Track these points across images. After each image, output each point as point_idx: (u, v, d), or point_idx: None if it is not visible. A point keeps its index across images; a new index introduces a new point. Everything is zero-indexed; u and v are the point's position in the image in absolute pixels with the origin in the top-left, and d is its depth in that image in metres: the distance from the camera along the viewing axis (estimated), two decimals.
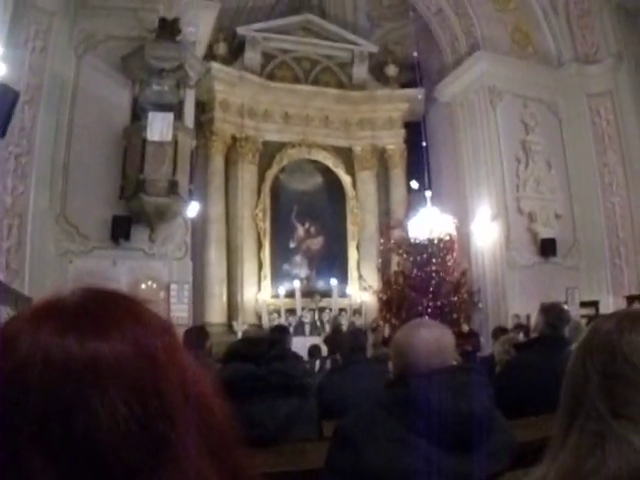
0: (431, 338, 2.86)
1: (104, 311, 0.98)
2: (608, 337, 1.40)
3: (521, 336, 10.79)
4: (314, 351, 12.41)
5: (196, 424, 1.00)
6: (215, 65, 19.05)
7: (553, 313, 5.75)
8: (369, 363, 6.51)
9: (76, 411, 0.88)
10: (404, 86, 22.13)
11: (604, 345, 1.39)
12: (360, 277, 21.07)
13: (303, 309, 19.70)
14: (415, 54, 20.72)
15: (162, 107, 14.79)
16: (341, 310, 20.11)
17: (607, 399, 1.33)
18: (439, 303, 18.71)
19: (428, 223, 18.83)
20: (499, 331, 10.72)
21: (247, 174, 20.15)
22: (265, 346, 4.37)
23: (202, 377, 1.09)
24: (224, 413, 1.10)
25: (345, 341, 7.01)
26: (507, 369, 6.02)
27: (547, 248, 18.82)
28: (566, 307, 15.09)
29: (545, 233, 19.03)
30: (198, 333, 8.41)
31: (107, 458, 0.88)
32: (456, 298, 18.99)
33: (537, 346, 5.62)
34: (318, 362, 11.32)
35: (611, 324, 1.43)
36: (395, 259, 20.69)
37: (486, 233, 19.03)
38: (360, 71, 21.97)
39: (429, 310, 18.36)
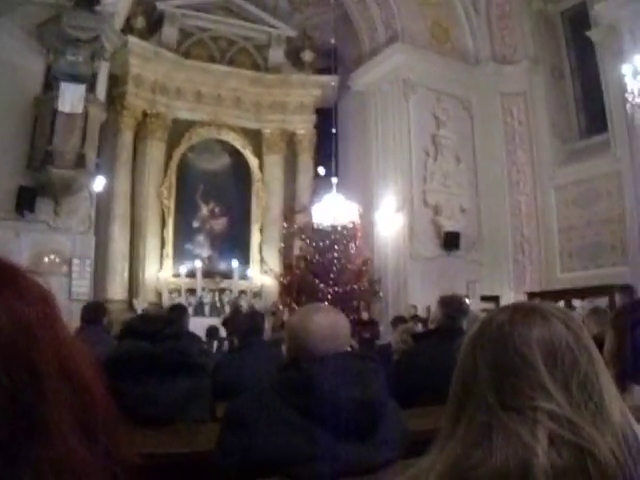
0: (326, 323, 2.85)
1: None
2: (500, 329, 1.41)
3: (419, 327, 11.40)
4: (212, 332, 12.48)
5: (69, 399, 0.98)
6: (132, 39, 18.72)
7: (452, 305, 5.78)
8: (265, 346, 6.51)
9: None
10: (319, 72, 22.17)
11: (496, 336, 1.41)
12: (262, 260, 21.17)
13: (204, 289, 19.65)
14: (332, 41, 20.71)
15: (75, 78, 14.56)
16: (241, 292, 20.19)
17: (496, 390, 1.34)
18: (340, 290, 18.80)
19: (332, 210, 18.78)
20: (398, 320, 10.71)
21: (155, 151, 19.99)
22: (161, 324, 4.28)
23: (80, 352, 1.06)
24: (101, 390, 1.07)
25: (242, 323, 6.96)
26: (404, 358, 6.12)
27: (450, 241, 19.18)
28: (467, 300, 15.90)
29: (449, 226, 19.37)
30: (96, 309, 8.27)
31: None
32: (357, 286, 19.13)
33: (435, 337, 5.65)
34: (216, 343, 11.83)
35: (504, 316, 1.44)
36: (298, 244, 20.82)
37: (390, 223, 19.19)
38: (276, 54, 22.02)
39: (329, 296, 18.45)
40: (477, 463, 1.27)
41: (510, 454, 1.24)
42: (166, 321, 4.41)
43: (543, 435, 1.25)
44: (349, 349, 3.02)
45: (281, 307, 19.32)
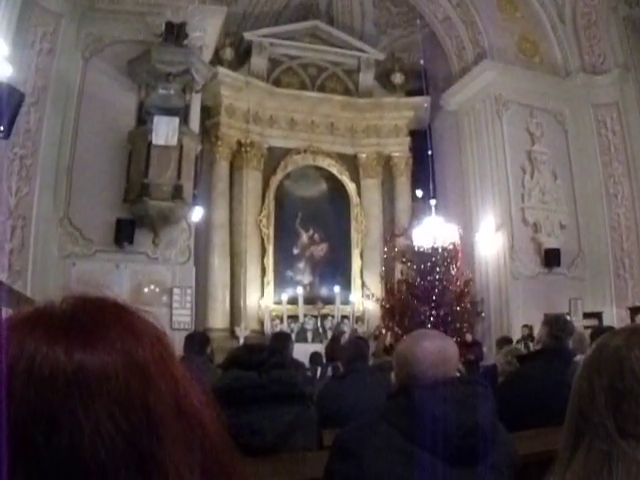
0: (434, 349, 2.85)
1: (94, 321, 0.95)
2: (616, 353, 1.38)
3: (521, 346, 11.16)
4: (315, 358, 12.43)
5: (186, 439, 0.98)
6: (222, 70, 19.14)
7: (557, 325, 5.68)
8: (370, 372, 6.47)
9: (60, 424, 0.86)
10: (410, 94, 22.26)
11: (612, 361, 1.37)
12: (363, 285, 21.12)
13: (305, 316, 19.75)
14: (422, 62, 20.91)
15: (168, 111, 14.87)
16: (343, 317, 20.12)
17: (615, 417, 1.31)
18: (442, 312, 18.72)
19: (432, 232, 18.81)
20: (503, 341, 10.68)
21: (251, 180, 20.27)
22: (265, 353, 4.32)
23: (194, 389, 1.05)
24: (217, 426, 1.07)
25: (346, 349, 6.96)
26: (510, 380, 5.99)
27: (551, 258, 18.84)
28: (569, 318, 15.15)
29: (549, 243, 19.06)
30: (199, 338, 8.37)
31: (91, 474, 0.87)
32: (459, 307, 19.05)
33: (540, 358, 5.54)
34: (319, 370, 11.47)
35: (620, 340, 1.41)
36: (399, 267, 20.78)
37: (490, 243, 19.08)
38: (366, 78, 22.15)
39: (432, 319, 18.42)
40: None
41: None
42: (271, 350, 4.45)
43: None
44: (457, 374, 3.03)
45: (384, 331, 19.27)
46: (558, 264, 18.86)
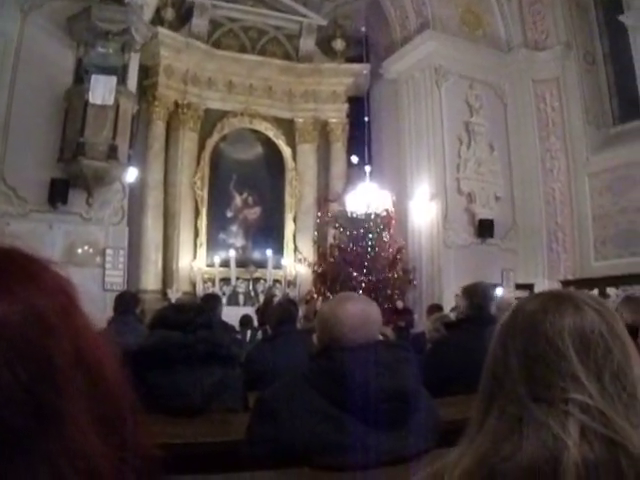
0: (357, 312, 2.88)
1: None
2: (531, 317, 1.40)
3: (453, 315, 11.54)
4: (246, 321, 12.62)
5: (86, 391, 0.99)
6: (162, 30, 18.97)
7: (476, 295, 5.78)
8: (298, 335, 6.48)
9: None
10: (350, 61, 22.29)
11: (527, 325, 1.39)
12: (296, 249, 21.35)
13: (238, 279, 19.84)
14: (363, 29, 21.16)
15: (106, 70, 14.75)
16: (276, 281, 20.34)
17: (527, 381, 1.33)
18: (374, 278, 18.85)
19: (366, 198, 18.97)
20: (434, 308, 10.62)
21: (187, 141, 20.24)
22: (192, 313, 4.29)
23: (99, 343, 1.06)
24: (120, 381, 1.08)
25: (275, 312, 7.03)
26: (436, 347, 6.12)
27: (485, 229, 19.23)
28: (501, 288, 16.48)
29: (483, 214, 19.43)
30: (128, 298, 8.42)
31: None
32: (391, 274, 19.18)
33: (465, 325, 5.64)
34: (250, 333, 11.84)
35: (535, 304, 1.43)
36: (331, 232, 20.87)
37: (424, 211, 19.35)
38: (307, 43, 22.14)
39: (363, 285, 18.52)
40: (506, 456, 1.26)
41: (540, 447, 1.24)
42: (198, 310, 4.44)
43: (574, 428, 1.24)
44: (381, 338, 3.08)
45: (315, 296, 19.24)
46: (491, 235, 19.29)
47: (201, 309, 4.68)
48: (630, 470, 1.18)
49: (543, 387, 1.31)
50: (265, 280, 20.16)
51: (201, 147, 20.67)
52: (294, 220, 21.66)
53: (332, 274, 19.59)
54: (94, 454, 0.96)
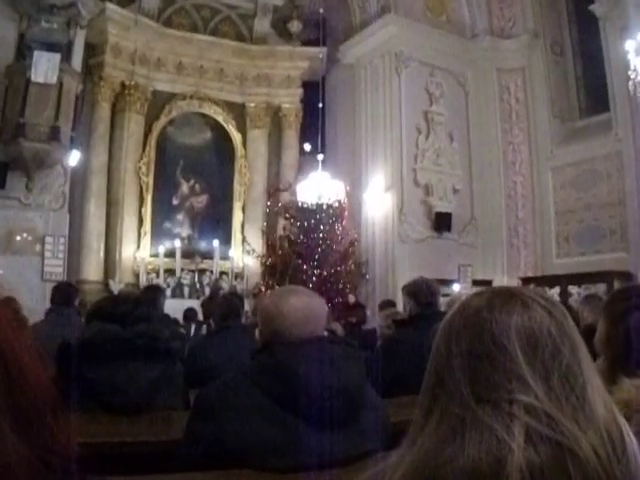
0: (301, 306, 2.88)
1: None
2: (477, 314, 1.38)
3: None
4: (190, 314, 12.58)
5: (2, 387, 0.99)
6: (110, 6, 18.32)
7: (421, 292, 5.83)
8: (243, 330, 6.49)
9: None
10: (307, 44, 22.07)
11: (472, 323, 1.37)
12: (244, 240, 21.09)
13: (183, 270, 19.66)
14: (321, 11, 20.75)
15: (49, 46, 14.45)
16: (222, 273, 20.10)
17: (471, 381, 1.31)
18: (325, 272, 18.76)
19: (318, 188, 18.84)
20: (386, 304, 10.65)
21: (133, 124, 19.78)
22: (131, 305, 4.33)
23: (19, 335, 1.06)
24: (39, 376, 1.07)
25: (219, 306, 7.03)
26: (387, 345, 6.14)
27: (442, 223, 19.11)
28: (457, 284, 16.96)
29: (441, 207, 19.29)
30: (66, 289, 8.27)
31: None
32: (343, 268, 19.10)
33: (415, 322, 5.72)
34: (194, 327, 11.76)
35: (482, 300, 1.41)
36: (281, 223, 20.80)
37: (379, 203, 19.22)
38: (262, 24, 21.78)
39: (314, 278, 18.46)
40: (447, 460, 1.24)
41: (483, 450, 1.22)
42: (136, 302, 4.51)
43: (519, 431, 1.22)
44: (326, 334, 3.06)
45: (263, 289, 19.13)
46: (449, 229, 19.18)
47: (140, 301, 4.87)
48: (577, 474, 1.17)
49: (487, 388, 1.29)
50: (211, 272, 19.89)
51: (148, 131, 20.21)
52: (243, 209, 21.36)
53: (281, 267, 19.49)
54: (8, 451, 0.96)
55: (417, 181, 19.31)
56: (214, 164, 21.13)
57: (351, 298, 18.27)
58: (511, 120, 20.17)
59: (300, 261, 19.04)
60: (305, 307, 2.91)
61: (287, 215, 20.43)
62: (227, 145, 21.44)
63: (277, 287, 17.37)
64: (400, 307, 9.78)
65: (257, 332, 3.09)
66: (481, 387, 1.30)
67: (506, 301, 1.38)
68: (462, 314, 1.41)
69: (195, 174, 20.73)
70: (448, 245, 19.14)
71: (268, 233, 21.12)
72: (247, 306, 15.48)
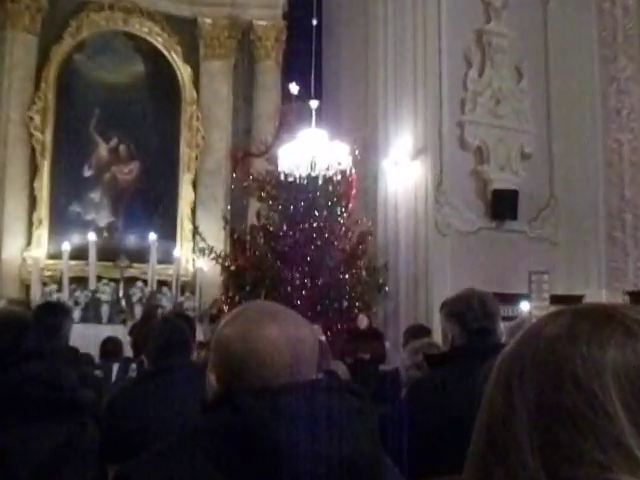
0: (280, 336, 2.37)
1: None
2: (553, 347, 1.15)
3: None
4: (111, 348, 11.74)
5: None
6: None
7: (471, 312, 4.87)
8: (192, 372, 5.46)
9: None
10: None
11: (545, 360, 1.15)
12: (196, 232, 19.82)
13: (100, 279, 18.61)
14: None
15: None
16: (162, 284, 19.21)
17: (543, 450, 1.10)
18: (321, 282, 17.44)
19: (311, 153, 17.25)
20: (416, 332, 9.07)
21: (20, 48, 18.59)
22: (12, 335, 3.86)
23: None
24: None
25: (156, 334, 6.18)
26: (415, 394, 5.40)
27: (503, 206, 17.82)
28: (527, 302, 16.06)
29: (501, 182, 17.92)
30: None
31: None
32: (350, 276, 17.74)
33: (460, 359, 4.89)
34: (116, 367, 10.66)
35: (560, 326, 1.18)
36: (254, 207, 19.66)
37: (405, 176, 17.98)
38: None
39: (304, 292, 17.28)
40: None
41: None
42: (23, 329, 4.01)
43: None
44: (319, 376, 2.64)
45: (225, 308, 17.32)
46: (514, 216, 17.73)
47: (28, 328, 4.21)
48: None
49: (568, 461, 1.10)
50: (145, 282, 18.96)
51: (43, 60, 18.97)
52: (194, 185, 20.38)
53: (254, 274, 17.99)
54: None
55: (465, 142, 17.84)
56: (149, 115, 20.09)
57: (362, 322, 16.74)
58: (615, 43, 18.50)
59: (282, 265, 17.71)
60: (288, 337, 2.37)
61: (263, 194, 18.95)
62: (169, 85, 20.32)
63: (246, 305, 16.05)
64: (437, 337, 7.89)
65: (210, 375, 2.51)
66: (558, 459, 1.09)
67: (599, 327, 1.15)
68: (530, 347, 1.19)
69: (119, 130, 19.56)
70: (512, 241, 17.83)
71: (234, 222, 19.69)
72: (200, 335, 13.60)
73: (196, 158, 20.06)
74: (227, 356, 2.49)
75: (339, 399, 2.42)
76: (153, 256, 18.59)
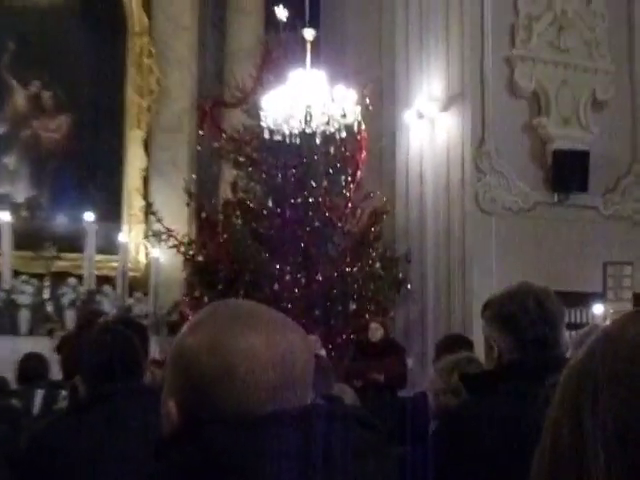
0: (262, 347, 2.01)
1: None
2: (634, 355, 1.12)
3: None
4: (32, 369, 10.69)
5: None
6: None
7: (526, 315, 4.33)
8: (144, 398, 4.92)
9: None
10: None
11: (627, 373, 1.11)
12: (149, 210, 18.20)
13: (18, 274, 17.78)
14: None
15: None
16: (104, 281, 18.08)
17: None
18: (320, 276, 16.42)
19: (305, 101, 15.91)
20: (451, 344, 8.49)
21: None
22: None
23: None
24: None
25: (95, 351, 5.55)
26: (449, 428, 5.00)
27: (568, 174, 16.83)
28: (600, 305, 15.53)
29: (566, 141, 16.98)
30: None
31: None
32: (358, 269, 16.59)
33: (512, 379, 4.41)
34: (41, 393, 9.89)
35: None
36: (228, 175, 18.40)
37: (433, 133, 17.29)
38: None
39: (297, 291, 16.26)
40: None
41: None
42: None
43: None
44: (313, 400, 2.31)
45: (188, 311, 16.18)
46: (583, 187, 16.81)
47: None
48: None
49: None
50: (79, 278, 17.76)
51: None
52: (145, 147, 19.05)
53: (229, 267, 16.89)
54: None
55: (516, 85, 16.92)
56: (83, 50, 18.91)
57: (375, 332, 15.21)
58: None
59: (268, 255, 16.60)
60: (273, 348, 2.02)
61: (240, 158, 17.58)
62: (111, 8, 18.95)
63: (214, 305, 14.18)
64: (479, 350, 7.08)
65: (168, 402, 2.11)
66: None
67: None
68: (606, 356, 1.15)
69: (42, 71, 18.48)
70: (581, 221, 17.21)
71: (201, 197, 18.25)
72: (156, 350, 13.07)
73: (148, 109, 18.78)
74: (191, 376, 2.06)
75: (344, 432, 2.08)
76: (90, 243, 17.41)
